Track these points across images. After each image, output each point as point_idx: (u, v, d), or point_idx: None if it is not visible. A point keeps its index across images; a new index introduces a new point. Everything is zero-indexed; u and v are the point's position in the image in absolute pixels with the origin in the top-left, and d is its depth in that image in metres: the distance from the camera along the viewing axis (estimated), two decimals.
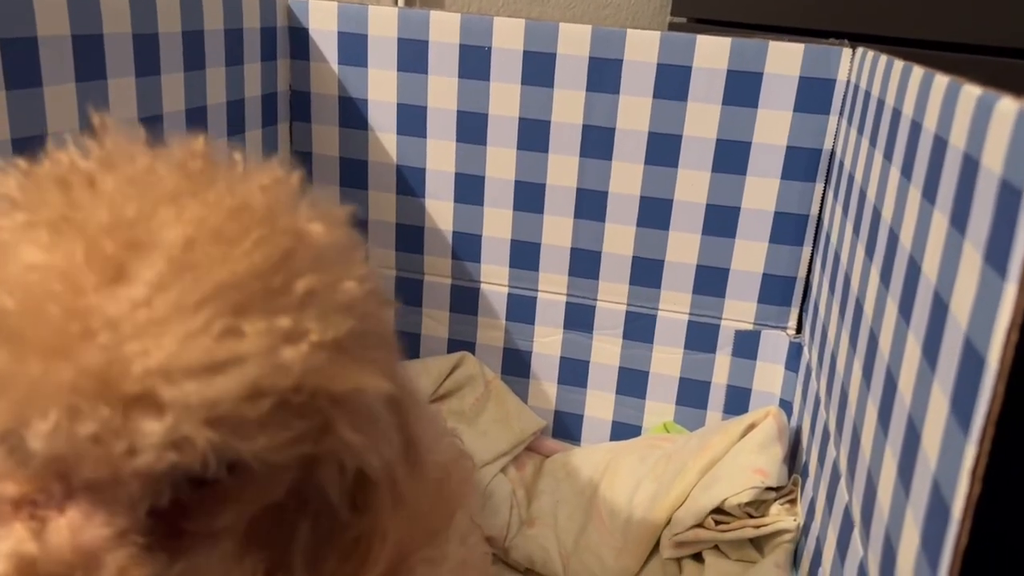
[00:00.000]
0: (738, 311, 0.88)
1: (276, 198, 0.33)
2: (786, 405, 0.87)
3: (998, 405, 0.31)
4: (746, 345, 0.89)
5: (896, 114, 0.55)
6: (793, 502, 0.75)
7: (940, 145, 0.42)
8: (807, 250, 0.84)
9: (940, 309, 0.39)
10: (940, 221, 0.41)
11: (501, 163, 0.88)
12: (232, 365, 0.28)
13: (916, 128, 0.48)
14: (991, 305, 0.31)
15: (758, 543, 0.74)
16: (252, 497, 0.34)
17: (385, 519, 0.38)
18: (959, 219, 0.38)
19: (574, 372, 0.94)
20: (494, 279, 0.93)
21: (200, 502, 0.33)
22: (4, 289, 0.28)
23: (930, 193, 0.44)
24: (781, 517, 0.72)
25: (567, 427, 0.96)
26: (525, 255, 0.91)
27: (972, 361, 0.33)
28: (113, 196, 0.31)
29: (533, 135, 0.87)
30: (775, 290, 0.86)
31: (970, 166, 0.37)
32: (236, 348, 0.28)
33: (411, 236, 0.94)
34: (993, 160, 0.34)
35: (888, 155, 0.56)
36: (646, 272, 0.89)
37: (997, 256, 0.32)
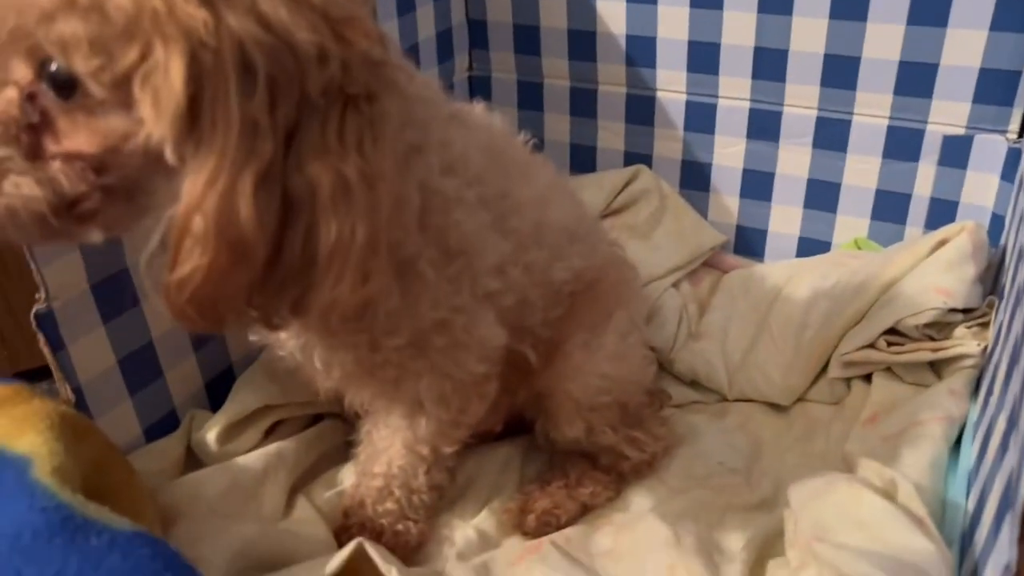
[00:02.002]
0: (947, 113, 0.77)
1: None
2: (999, 221, 0.77)
3: None
4: (955, 152, 0.78)
5: None
6: (984, 326, 0.67)
7: None
8: None
9: None
10: None
11: None
12: None
13: None
14: None
15: (937, 367, 0.68)
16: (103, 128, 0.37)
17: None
18: None
19: (758, 185, 0.89)
20: (671, 86, 0.88)
21: (63, 126, 0.37)
22: None
23: None
24: (964, 341, 0.66)
25: (750, 243, 0.92)
26: (704, 57, 0.85)
27: None
28: None
29: None
30: (994, 87, 0.74)
31: None
32: None
33: (583, 43, 0.89)
34: None
35: None
36: (839, 71, 0.79)
37: None
